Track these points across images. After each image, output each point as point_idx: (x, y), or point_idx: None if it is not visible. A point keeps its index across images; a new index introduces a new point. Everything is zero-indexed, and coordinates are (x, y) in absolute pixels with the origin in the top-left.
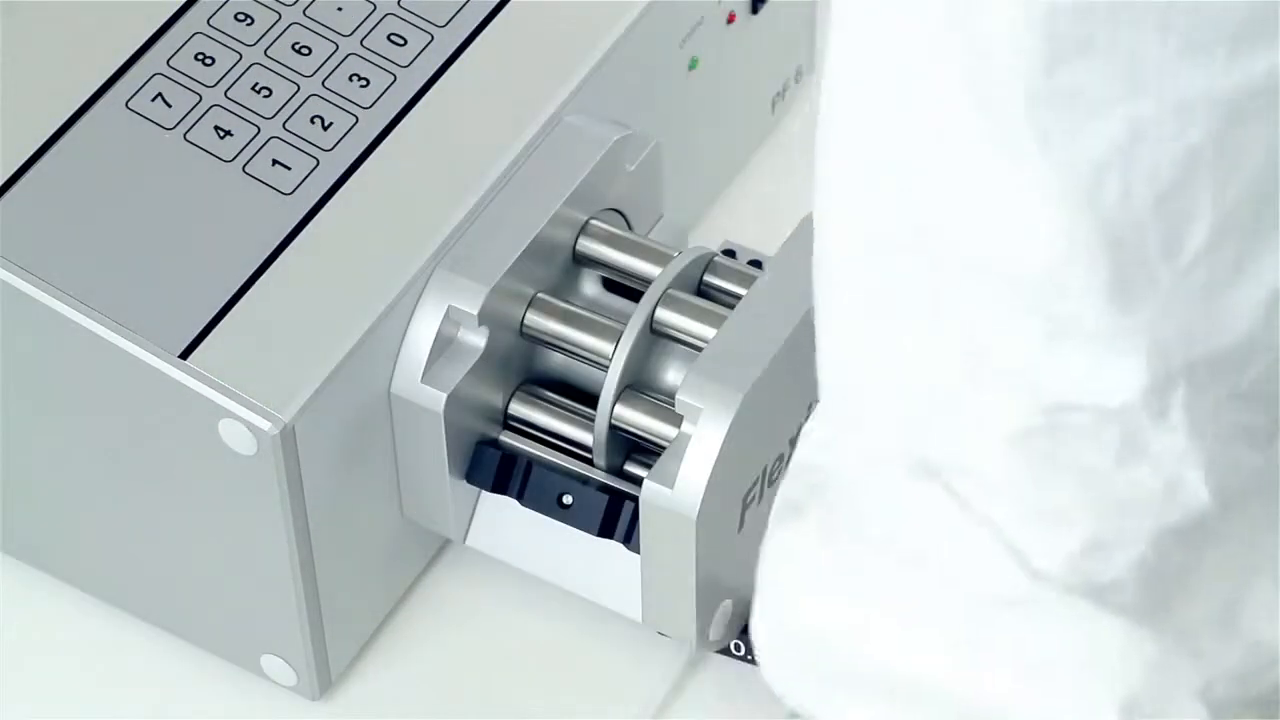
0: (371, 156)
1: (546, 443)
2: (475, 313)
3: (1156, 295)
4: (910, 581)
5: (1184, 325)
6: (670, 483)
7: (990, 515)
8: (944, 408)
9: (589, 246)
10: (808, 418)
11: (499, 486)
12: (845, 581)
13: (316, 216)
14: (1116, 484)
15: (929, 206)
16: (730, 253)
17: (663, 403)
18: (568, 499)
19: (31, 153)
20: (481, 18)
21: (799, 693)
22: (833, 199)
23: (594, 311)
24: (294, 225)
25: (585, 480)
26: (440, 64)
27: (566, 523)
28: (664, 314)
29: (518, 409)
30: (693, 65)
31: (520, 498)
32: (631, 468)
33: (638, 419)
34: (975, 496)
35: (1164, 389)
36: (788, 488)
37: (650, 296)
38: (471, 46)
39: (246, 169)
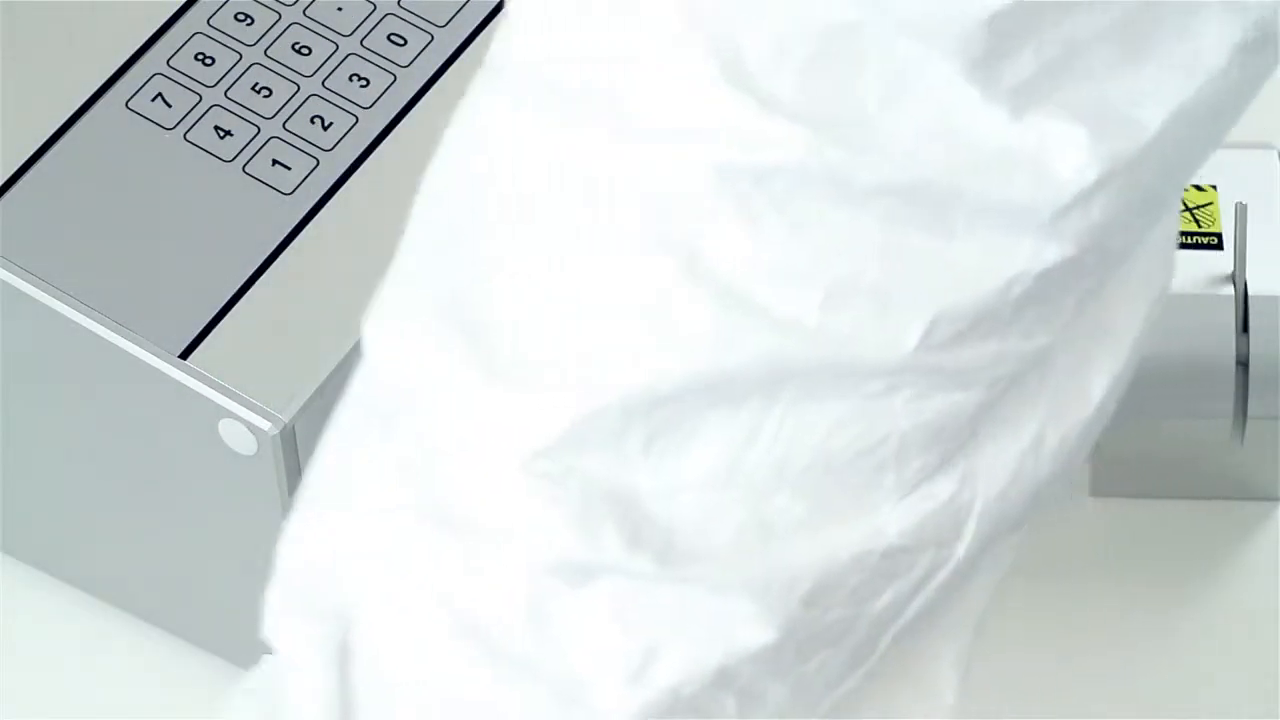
0: (371, 156)
1: None
2: None
3: None
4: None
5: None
6: None
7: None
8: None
9: None
10: None
11: None
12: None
13: (316, 216)
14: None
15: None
16: None
17: None
18: None
19: (31, 153)
20: (481, 18)
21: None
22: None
23: None
24: (294, 225)
25: None
26: (440, 64)
27: None
28: None
29: None
30: None
31: None
32: None
33: None
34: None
35: None
36: None
37: None
38: (471, 46)
39: (246, 169)
